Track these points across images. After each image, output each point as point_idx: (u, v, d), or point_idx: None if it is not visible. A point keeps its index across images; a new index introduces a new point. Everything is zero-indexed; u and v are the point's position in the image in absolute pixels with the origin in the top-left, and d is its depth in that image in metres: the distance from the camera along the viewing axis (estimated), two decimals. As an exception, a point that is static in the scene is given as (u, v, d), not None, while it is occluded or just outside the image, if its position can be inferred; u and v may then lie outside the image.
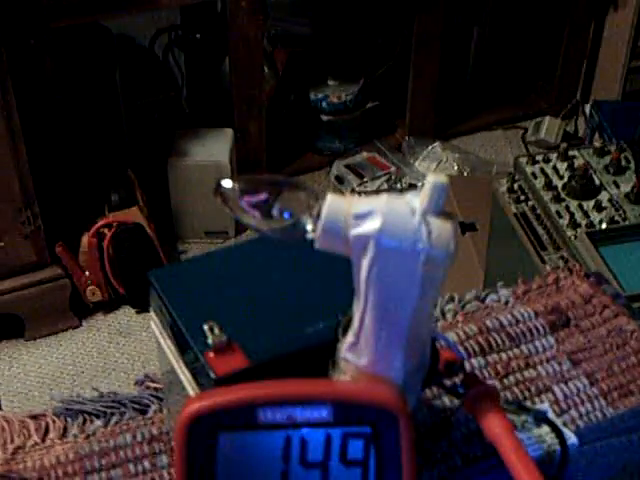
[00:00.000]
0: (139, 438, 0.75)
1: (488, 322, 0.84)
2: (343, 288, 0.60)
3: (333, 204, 0.57)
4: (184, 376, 0.67)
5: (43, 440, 0.75)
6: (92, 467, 0.72)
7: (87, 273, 2.13)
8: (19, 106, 1.88)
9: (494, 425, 0.61)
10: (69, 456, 0.73)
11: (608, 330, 0.85)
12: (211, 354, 0.62)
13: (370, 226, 0.56)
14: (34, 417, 0.77)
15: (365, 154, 2.67)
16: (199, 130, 2.40)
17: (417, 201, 0.57)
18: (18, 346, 2.15)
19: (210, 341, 0.62)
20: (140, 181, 2.28)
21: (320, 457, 0.58)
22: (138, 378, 0.81)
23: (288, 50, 2.62)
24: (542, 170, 1.77)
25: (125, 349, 2.14)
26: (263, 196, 0.58)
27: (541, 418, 0.72)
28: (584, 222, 1.65)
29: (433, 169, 2.56)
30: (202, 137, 2.37)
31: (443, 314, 0.87)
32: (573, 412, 0.77)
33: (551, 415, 0.76)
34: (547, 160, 1.79)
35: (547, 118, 2.78)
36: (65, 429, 0.76)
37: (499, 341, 0.82)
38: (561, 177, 1.75)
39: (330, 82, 2.63)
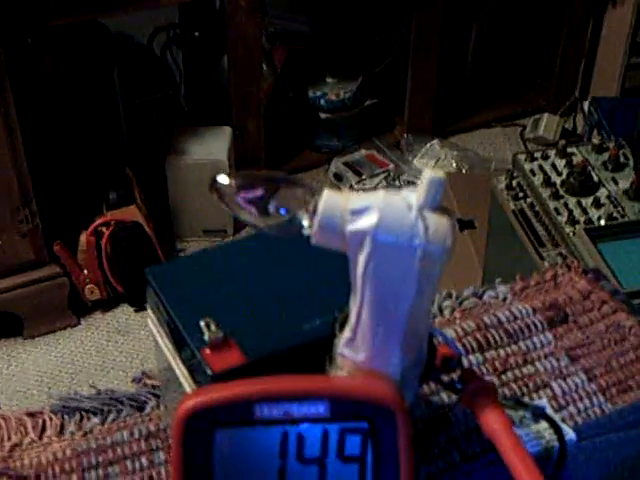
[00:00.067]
0: (136, 435, 0.74)
1: (486, 318, 0.84)
2: (340, 284, 0.60)
3: (329, 200, 0.57)
4: (181, 373, 0.67)
5: (40, 437, 0.75)
6: (89, 464, 0.72)
7: (85, 271, 2.13)
8: (17, 104, 1.88)
9: (492, 421, 0.61)
10: (66, 453, 0.73)
11: (606, 326, 0.85)
12: (207, 351, 0.62)
13: (367, 222, 0.56)
14: (31, 414, 0.77)
15: (363, 152, 2.67)
16: (197, 128, 2.40)
17: (414, 196, 0.56)
18: (16, 345, 2.15)
19: (206, 338, 0.62)
20: (138, 179, 2.27)
21: (317, 453, 0.57)
22: (135, 375, 0.81)
23: (286, 48, 2.62)
24: (540, 167, 1.77)
25: (123, 347, 2.14)
26: (259, 192, 0.58)
27: (539, 414, 0.72)
28: (582, 219, 1.65)
29: (431, 166, 2.56)
30: (200, 135, 2.37)
31: (441, 310, 0.87)
32: (571, 408, 0.77)
33: (549, 411, 0.76)
34: (545, 157, 1.79)
35: (545, 115, 2.78)
36: (62, 426, 0.76)
37: (497, 337, 0.82)
38: (559, 174, 1.74)
39: (328, 80, 2.63)
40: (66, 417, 0.77)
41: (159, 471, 0.72)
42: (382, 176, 2.59)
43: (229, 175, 0.60)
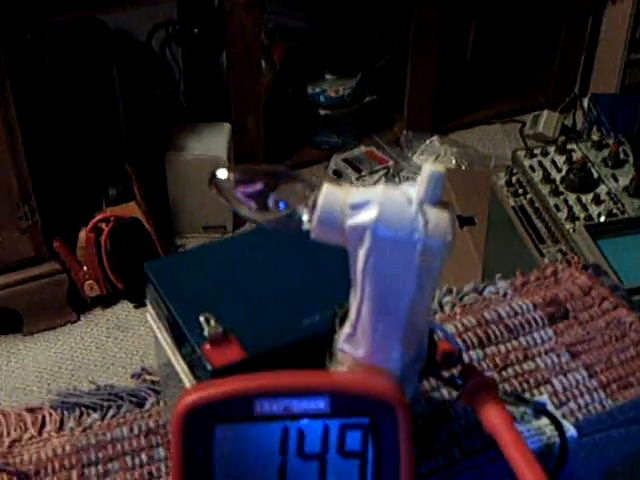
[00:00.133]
0: (136, 431, 0.74)
1: (486, 314, 0.84)
2: (340, 279, 0.59)
3: (329, 194, 0.57)
4: (181, 368, 0.66)
5: (40, 433, 0.75)
6: (89, 460, 0.72)
7: (85, 268, 2.13)
8: (16, 101, 1.87)
9: (493, 416, 0.61)
10: (66, 449, 0.73)
11: (607, 322, 0.84)
12: (207, 346, 0.62)
13: (366, 216, 0.56)
14: (31, 410, 0.77)
15: (363, 148, 2.66)
16: (196, 125, 2.40)
17: (413, 191, 0.56)
18: (16, 341, 2.14)
19: (206, 333, 0.62)
20: (138, 176, 2.27)
21: (318, 449, 0.57)
22: (135, 371, 0.81)
23: (285, 44, 2.61)
24: (540, 163, 1.76)
25: (123, 344, 2.14)
26: (258, 186, 0.58)
27: (540, 410, 0.72)
28: (582, 215, 1.65)
29: (431, 162, 2.55)
30: (199, 132, 2.37)
31: (441, 306, 0.87)
32: (572, 404, 0.77)
33: (550, 407, 0.75)
34: (545, 153, 1.79)
35: (545, 112, 2.78)
36: (62, 422, 0.76)
37: (497, 333, 0.82)
38: (559, 170, 1.74)
39: (328, 76, 2.62)
40: (66, 413, 0.77)
41: (159, 467, 0.72)
42: (381, 173, 2.59)
43: (228, 169, 0.59)
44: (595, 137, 1.83)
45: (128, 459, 0.72)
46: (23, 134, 1.91)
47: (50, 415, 0.76)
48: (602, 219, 1.63)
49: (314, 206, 0.57)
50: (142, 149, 2.47)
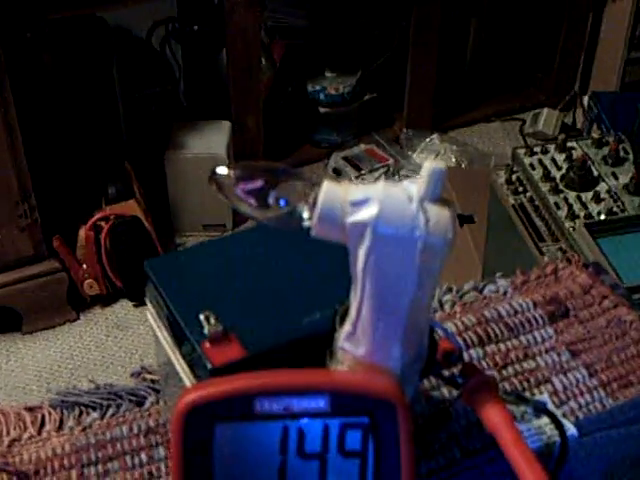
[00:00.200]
0: (135, 430, 0.74)
1: (486, 313, 0.84)
2: (340, 277, 0.59)
3: (329, 191, 0.56)
4: (180, 367, 0.66)
5: (39, 432, 0.75)
6: (88, 460, 0.72)
7: (84, 266, 2.12)
8: (15, 99, 1.87)
9: (493, 415, 0.61)
10: (65, 448, 0.73)
11: (607, 320, 0.84)
12: (207, 344, 0.62)
13: (367, 213, 0.55)
14: (30, 409, 0.77)
15: (363, 146, 2.66)
16: (196, 123, 2.40)
17: (414, 188, 0.56)
18: (15, 340, 2.14)
19: (206, 331, 0.62)
20: (137, 174, 2.27)
21: (318, 448, 0.57)
22: (134, 370, 0.81)
23: (285, 42, 2.61)
24: (540, 161, 1.76)
25: (123, 342, 2.13)
26: (259, 183, 0.58)
27: (540, 409, 0.72)
28: (582, 213, 1.64)
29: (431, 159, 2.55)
30: (199, 130, 2.37)
31: (441, 305, 0.86)
32: (572, 403, 0.77)
33: (550, 406, 0.75)
34: (545, 151, 1.79)
35: (545, 110, 2.78)
36: (61, 421, 0.76)
37: (497, 332, 0.82)
38: (559, 168, 1.74)
39: (328, 74, 2.62)
40: (65, 412, 0.76)
41: (159, 467, 0.71)
42: (381, 171, 2.58)
43: (228, 166, 0.59)
44: (595, 135, 1.82)
45: (128, 458, 0.72)
46: (23, 132, 1.91)
47: (49, 414, 0.76)
48: (602, 217, 1.63)
49: (314, 203, 0.56)
50: (142, 147, 2.47)
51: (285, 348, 0.63)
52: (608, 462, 0.74)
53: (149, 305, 0.70)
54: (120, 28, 2.47)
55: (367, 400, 0.56)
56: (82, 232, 2.11)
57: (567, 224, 1.63)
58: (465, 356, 0.79)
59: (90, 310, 2.21)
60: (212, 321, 0.62)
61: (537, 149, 1.80)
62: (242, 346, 0.62)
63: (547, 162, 1.76)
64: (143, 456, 0.72)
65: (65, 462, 0.72)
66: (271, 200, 0.58)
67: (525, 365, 0.80)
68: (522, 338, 0.82)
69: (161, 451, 0.73)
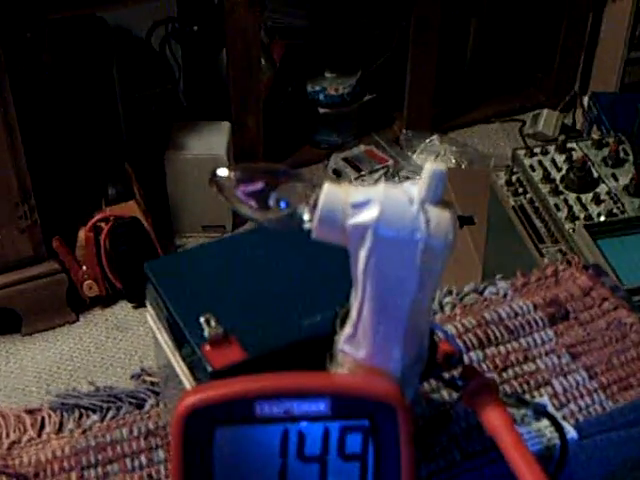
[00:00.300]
0: (135, 433, 0.74)
1: (487, 315, 0.83)
2: (341, 279, 0.59)
3: (330, 193, 0.56)
4: (180, 369, 0.66)
5: (39, 435, 0.75)
6: (88, 462, 0.72)
7: (84, 268, 2.12)
8: (15, 99, 1.87)
9: (494, 418, 0.61)
10: (65, 451, 0.73)
11: (607, 323, 0.84)
12: (207, 347, 0.62)
13: (368, 215, 0.55)
14: (30, 412, 0.77)
15: (363, 147, 2.66)
16: (196, 123, 2.39)
17: (415, 190, 0.56)
18: (15, 341, 2.14)
19: (206, 334, 0.62)
20: (137, 175, 2.27)
21: (318, 451, 0.57)
22: (134, 372, 0.81)
23: (285, 42, 2.61)
24: (540, 163, 1.76)
25: (122, 344, 2.13)
26: (259, 185, 0.58)
27: (541, 412, 0.72)
28: (582, 215, 1.64)
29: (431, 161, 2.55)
30: (199, 130, 2.36)
31: (441, 307, 0.86)
32: (572, 406, 0.77)
33: (550, 409, 0.75)
34: (545, 152, 1.78)
35: (545, 111, 2.78)
36: (61, 424, 0.76)
37: (498, 334, 0.82)
38: (559, 170, 1.74)
39: (327, 74, 2.62)
40: (65, 414, 0.76)
41: (158, 469, 0.71)
42: (381, 172, 2.58)
43: (229, 168, 0.59)
44: (595, 136, 1.83)
45: (127, 461, 0.72)
46: (22, 133, 1.91)
47: (49, 417, 0.76)
48: (602, 219, 1.63)
49: (315, 205, 0.56)
50: (142, 148, 2.47)
51: (285, 351, 0.63)
52: (608, 465, 0.74)
53: (149, 307, 0.70)
54: (120, 28, 2.47)
55: (367, 403, 0.56)
56: (82, 233, 2.11)
57: (567, 225, 1.63)
58: (465, 358, 0.79)
59: (90, 311, 2.21)
60: (212, 323, 0.62)
61: (537, 150, 1.80)
62: (242, 349, 0.62)
63: (547, 163, 1.76)
64: (143, 459, 0.72)
65: (65, 465, 0.72)
66: (271, 202, 0.58)
67: (525, 367, 0.79)
68: (522, 340, 0.82)
69: (161, 454, 0.72)
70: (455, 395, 0.70)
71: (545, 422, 0.72)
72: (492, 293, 0.88)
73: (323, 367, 0.62)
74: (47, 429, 0.75)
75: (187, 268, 0.70)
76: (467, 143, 2.71)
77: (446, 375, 0.66)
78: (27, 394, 2.01)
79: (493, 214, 1.82)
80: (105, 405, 0.77)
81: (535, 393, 0.77)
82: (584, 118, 2.69)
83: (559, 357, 0.80)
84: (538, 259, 1.61)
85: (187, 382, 0.65)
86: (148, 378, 0.79)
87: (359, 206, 0.56)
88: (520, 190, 1.75)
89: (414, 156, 2.61)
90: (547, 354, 0.81)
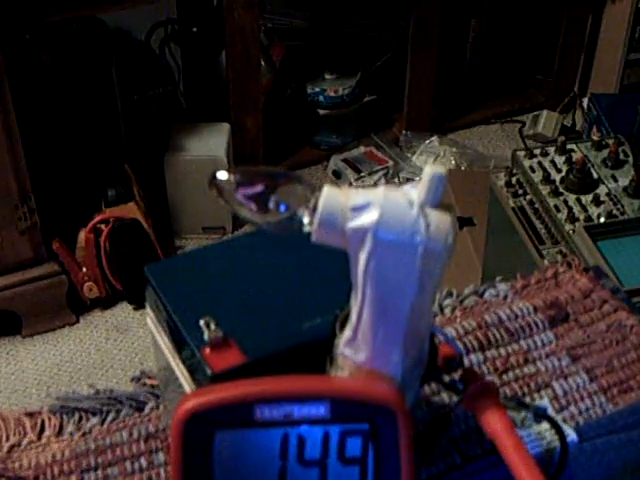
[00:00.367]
0: (135, 436, 0.74)
1: (487, 317, 0.83)
2: (340, 282, 0.59)
3: (330, 196, 0.56)
4: (180, 372, 0.66)
5: (39, 438, 0.75)
6: (88, 465, 0.72)
7: (84, 269, 2.12)
8: (14, 101, 1.87)
9: (494, 422, 0.61)
10: (65, 454, 0.73)
11: (608, 325, 0.84)
12: (207, 350, 0.62)
13: (367, 218, 0.55)
14: (30, 415, 0.77)
15: (362, 148, 2.66)
16: (196, 125, 2.39)
17: (415, 193, 0.56)
18: (15, 343, 2.14)
19: (206, 337, 0.62)
20: (137, 176, 2.27)
21: (318, 455, 0.57)
22: (135, 375, 0.81)
23: (285, 44, 2.61)
24: (540, 164, 1.76)
25: (122, 345, 2.13)
26: (259, 188, 0.58)
27: (541, 415, 0.72)
28: (582, 216, 1.64)
29: (431, 163, 2.55)
30: (199, 132, 2.36)
31: (441, 309, 0.86)
32: (573, 408, 0.76)
33: (550, 411, 0.75)
34: (545, 154, 1.78)
35: (545, 112, 2.78)
36: (61, 427, 0.76)
37: (498, 336, 0.82)
38: (559, 171, 1.74)
39: (327, 76, 2.62)
40: (65, 417, 0.76)
41: (158, 472, 0.71)
42: (381, 173, 2.58)
43: (228, 171, 0.59)
44: (595, 137, 1.82)
45: (128, 464, 0.72)
46: (22, 135, 1.91)
47: (49, 419, 0.76)
48: (602, 220, 1.63)
49: (315, 209, 0.56)
50: (141, 149, 2.47)
51: (285, 354, 0.62)
52: (608, 468, 0.73)
53: (149, 310, 0.70)
54: (119, 30, 2.47)
55: (367, 407, 0.56)
56: (82, 235, 2.11)
57: (567, 227, 1.63)
58: (465, 361, 0.79)
59: (90, 313, 2.21)
60: (212, 327, 0.62)
61: (537, 151, 1.79)
62: (242, 352, 0.62)
63: (547, 164, 1.75)
64: (143, 461, 0.72)
65: (65, 468, 0.72)
66: (271, 205, 0.58)
67: (525, 370, 0.79)
68: (522, 343, 0.82)
69: (161, 456, 0.72)
70: (455, 398, 0.69)
71: (545, 425, 0.72)
72: (492, 295, 0.88)
73: (323, 370, 0.62)
74: (47, 432, 0.75)
75: (187, 271, 0.70)
76: (467, 144, 2.71)
77: (446, 378, 0.66)
78: (27, 396, 2.01)
79: (493, 215, 1.81)
80: (105, 408, 0.77)
81: (535, 395, 0.77)
82: (584, 119, 2.69)
83: (559, 359, 0.80)
84: (538, 260, 1.61)
85: (187, 385, 0.65)
86: (148, 381, 0.79)
87: (359, 209, 0.56)
88: (520, 191, 1.75)
89: (414, 157, 2.61)
90: (547, 356, 0.81)
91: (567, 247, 1.61)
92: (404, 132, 2.68)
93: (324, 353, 0.62)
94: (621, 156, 1.76)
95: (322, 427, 0.56)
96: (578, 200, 1.68)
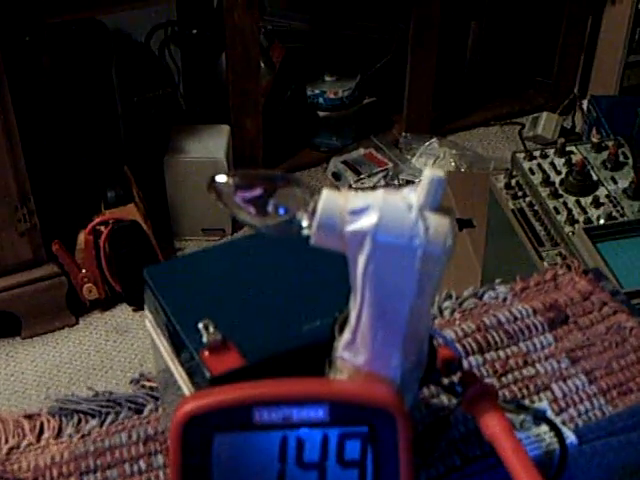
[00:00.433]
0: (134, 438, 0.74)
1: (486, 319, 0.83)
2: (339, 285, 0.59)
3: (329, 200, 0.56)
4: (179, 375, 0.66)
5: (38, 440, 0.75)
6: (87, 467, 0.72)
7: (84, 271, 2.12)
8: (14, 102, 1.87)
9: (492, 424, 0.61)
10: (64, 456, 0.73)
11: (607, 327, 0.84)
12: (206, 353, 0.62)
13: (366, 222, 0.55)
14: (29, 417, 0.77)
15: (362, 150, 2.66)
16: (196, 127, 2.40)
17: (414, 196, 0.56)
18: (14, 344, 2.14)
19: (205, 340, 0.62)
20: (136, 178, 2.27)
21: (317, 458, 0.57)
22: (134, 377, 0.81)
23: (285, 46, 2.61)
24: (539, 166, 1.76)
25: (122, 347, 2.13)
26: (258, 191, 0.58)
27: (540, 417, 0.72)
28: (582, 218, 1.64)
29: (430, 165, 2.55)
30: (199, 134, 2.37)
31: (440, 311, 0.86)
32: (572, 411, 0.76)
33: (550, 414, 0.75)
34: (544, 156, 1.78)
35: (544, 114, 2.78)
36: (60, 429, 0.76)
37: (497, 339, 0.82)
38: (559, 173, 1.74)
39: (327, 78, 2.62)
40: (64, 419, 0.76)
41: (157, 475, 0.71)
42: (381, 175, 2.58)
43: (227, 174, 0.59)
44: (594, 139, 1.82)
45: (127, 466, 0.72)
46: (22, 136, 1.91)
47: (48, 422, 0.76)
48: (601, 222, 1.63)
49: (314, 212, 0.56)
50: (141, 151, 2.47)
51: (284, 357, 0.62)
52: (608, 470, 0.73)
53: (147, 312, 0.70)
54: (119, 32, 2.47)
55: (366, 410, 0.56)
56: (81, 236, 2.11)
57: (566, 229, 1.63)
58: (464, 363, 0.79)
59: (89, 314, 2.21)
60: (211, 329, 0.62)
61: (536, 153, 1.79)
62: (241, 355, 0.62)
63: (546, 166, 1.75)
64: (142, 464, 0.72)
65: (64, 470, 0.72)
66: (270, 208, 0.58)
67: (524, 372, 0.79)
68: (522, 345, 0.82)
69: (160, 459, 0.72)
70: (454, 401, 0.69)
71: (544, 427, 0.72)
72: (491, 297, 0.88)
73: (322, 373, 0.62)
74: (46, 434, 0.75)
75: (185, 274, 0.70)
76: (466, 146, 2.71)
77: (445, 381, 0.66)
78: (26, 397, 2.01)
79: (492, 217, 1.81)
80: (104, 410, 0.77)
81: (535, 398, 0.77)
82: (583, 121, 2.69)
83: (558, 362, 0.80)
84: (537, 262, 1.61)
85: (186, 388, 0.65)
86: (147, 383, 0.79)
87: (358, 212, 0.56)
88: (519, 193, 1.75)
89: (413, 159, 2.61)
90: (547, 359, 0.81)
91: (567, 249, 1.61)
92: (404, 134, 2.68)
93: (323, 356, 0.62)
94: (621, 158, 1.76)
95: (321, 430, 0.56)
96: (578, 202, 1.68)
